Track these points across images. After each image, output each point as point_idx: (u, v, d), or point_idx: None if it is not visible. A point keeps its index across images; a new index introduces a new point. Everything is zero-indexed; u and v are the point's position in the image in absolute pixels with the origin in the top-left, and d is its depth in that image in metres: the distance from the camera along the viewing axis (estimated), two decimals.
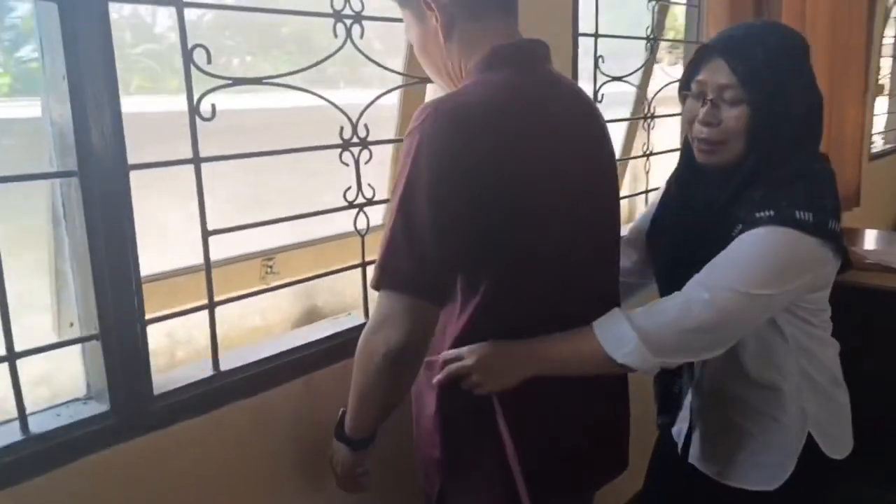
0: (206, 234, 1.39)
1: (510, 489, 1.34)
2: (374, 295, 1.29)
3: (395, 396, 1.29)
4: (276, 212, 1.56)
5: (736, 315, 1.30)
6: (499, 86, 1.26)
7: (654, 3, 2.54)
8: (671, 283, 1.40)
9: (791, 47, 1.43)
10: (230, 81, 1.40)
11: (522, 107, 1.27)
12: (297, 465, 1.56)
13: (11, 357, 1.17)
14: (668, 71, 2.80)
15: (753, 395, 1.51)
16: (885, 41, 5.51)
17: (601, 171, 1.41)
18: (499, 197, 1.19)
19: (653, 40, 2.60)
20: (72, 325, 1.30)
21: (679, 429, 1.65)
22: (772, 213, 1.31)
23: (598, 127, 1.41)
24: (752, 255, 1.31)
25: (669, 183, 1.63)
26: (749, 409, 1.52)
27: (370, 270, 1.66)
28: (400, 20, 1.80)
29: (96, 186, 1.21)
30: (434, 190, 1.16)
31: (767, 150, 1.39)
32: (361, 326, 1.60)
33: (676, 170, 1.61)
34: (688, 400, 1.60)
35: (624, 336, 1.28)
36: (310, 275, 1.63)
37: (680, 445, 1.64)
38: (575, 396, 1.37)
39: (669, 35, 2.93)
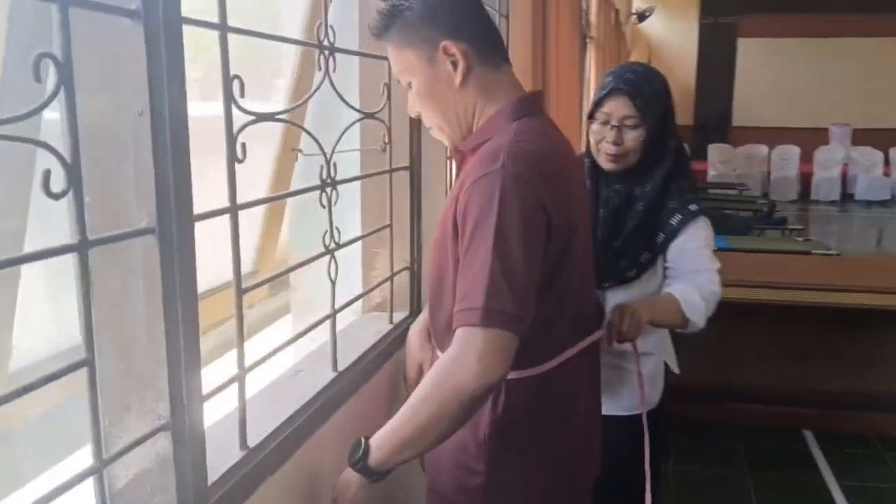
0: (240, 291, 1.20)
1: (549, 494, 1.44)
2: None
3: (452, 433, 1.26)
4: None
5: None
6: (543, 134, 1.35)
7: None
8: (609, 256, 1.89)
9: (665, 85, 1.93)
10: (255, 117, 1.23)
11: (564, 153, 1.40)
12: None
13: (100, 466, 0.92)
14: None
15: (650, 342, 1.93)
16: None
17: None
18: (559, 232, 1.28)
19: None
20: (128, 409, 1.04)
21: None
22: (695, 207, 1.88)
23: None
24: (709, 241, 1.90)
25: None
26: (642, 356, 1.87)
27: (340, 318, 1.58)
28: (369, 55, 1.74)
29: (173, 244, 1.00)
30: (525, 230, 1.20)
31: (661, 157, 1.90)
32: (338, 379, 1.53)
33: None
34: None
35: (697, 303, 1.81)
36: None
37: None
38: (575, 419, 1.50)
39: None
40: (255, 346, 1.69)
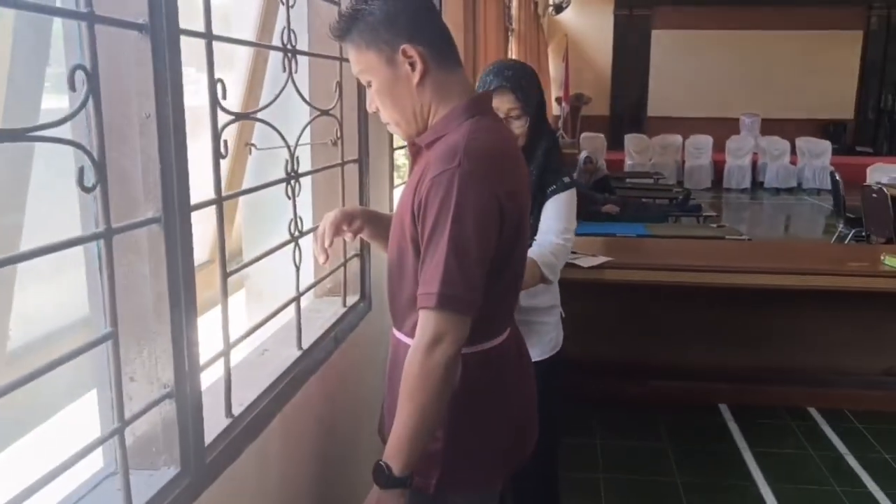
0: (224, 274, 1.36)
1: (496, 462, 1.62)
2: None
3: (446, 401, 1.42)
4: None
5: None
6: (494, 130, 1.52)
7: None
8: None
9: (537, 76, 2.29)
10: (234, 117, 1.39)
11: (512, 148, 1.58)
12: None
13: (121, 426, 1.07)
14: None
15: (548, 298, 2.32)
16: None
17: None
18: (511, 220, 1.45)
19: None
20: (132, 379, 1.19)
21: None
22: (568, 180, 2.26)
23: None
24: (571, 210, 2.25)
25: None
26: (546, 309, 2.33)
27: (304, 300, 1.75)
28: (325, 56, 1.89)
29: (175, 233, 1.15)
30: (479, 223, 1.37)
31: (542, 139, 2.25)
32: (303, 356, 1.69)
33: None
34: None
35: (552, 264, 2.14)
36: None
37: None
38: (523, 382, 1.70)
39: None
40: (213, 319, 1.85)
